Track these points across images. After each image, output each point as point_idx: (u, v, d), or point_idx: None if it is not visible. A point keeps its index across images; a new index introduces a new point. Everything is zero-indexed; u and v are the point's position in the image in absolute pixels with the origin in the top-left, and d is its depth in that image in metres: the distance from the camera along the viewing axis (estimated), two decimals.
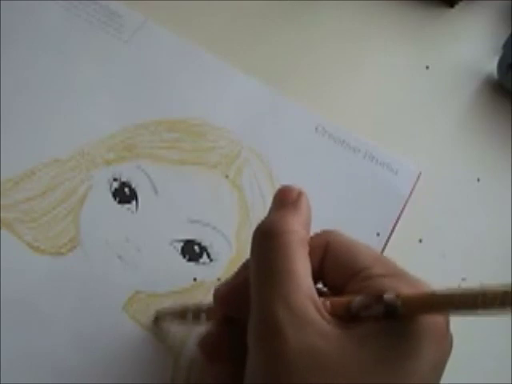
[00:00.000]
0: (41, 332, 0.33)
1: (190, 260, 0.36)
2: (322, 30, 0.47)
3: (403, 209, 0.39)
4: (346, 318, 0.24)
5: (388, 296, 0.23)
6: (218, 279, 0.36)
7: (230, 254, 0.36)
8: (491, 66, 0.47)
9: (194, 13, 0.45)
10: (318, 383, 0.23)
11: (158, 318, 0.34)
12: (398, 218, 0.39)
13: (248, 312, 0.26)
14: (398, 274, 0.26)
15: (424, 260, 0.39)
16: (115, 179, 0.38)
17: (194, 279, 0.35)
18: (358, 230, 0.37)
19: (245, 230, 0.37)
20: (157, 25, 0.44)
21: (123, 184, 0.37)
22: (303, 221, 0.28)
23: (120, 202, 0.37)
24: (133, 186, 0.37)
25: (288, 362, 0.23)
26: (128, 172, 0.38)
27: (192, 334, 0.34)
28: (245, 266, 0.30)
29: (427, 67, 0.46)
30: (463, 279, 0.38)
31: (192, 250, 0.36)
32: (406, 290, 0.24)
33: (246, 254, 0.36)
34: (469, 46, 0.48)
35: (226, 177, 0.39)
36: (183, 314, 0.32)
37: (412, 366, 0.24)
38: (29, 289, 0.34)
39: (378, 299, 0.24)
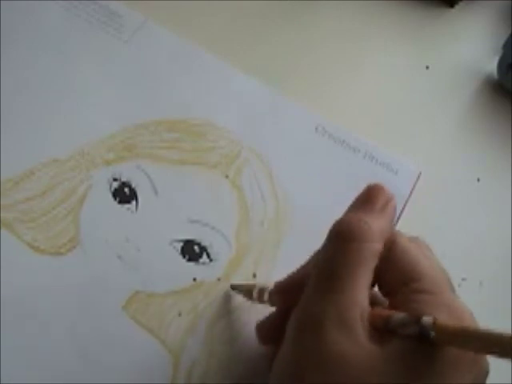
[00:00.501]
0: (40, 332, 0.33)
1: (189, 260, 0.36)
2: (322, 30, 0.47)
3: (403, 209, 0.39)
4: (382, 329, 0.25)
5: (426, 320, 0.23)
6: (218, 279, 0.36)
7: (230, 253, 0.36)
8: (491, 66, 0.47)
9: (194, 13, 0.45)
10: None
11: (233, 288, 0.35)
12: (398, 218, 0.39)
13: None
14: (440, 292, 0.26)
15: None
16: (115, 179, 0.38)
17: (194, 279, 0.35)
18: None
19: (244, 229, 0.37)
20: (157, 25, 0.44)
21: (123, 184, 0.37)
22: (385, 231, 0.27)
23: (120, 201, 0.37)
24: (133, 185, 0.37)
25: (320, 360, 0.24)
26: (128, 172, 0.38)
27: (191, 335, 0.34)
28: (308, 263, 0.30)
29: (427, 67, 0.46)
30: (463, 279, 0.38)
31: (192, 250, 0.36)
32: (446, 316, 0.24)
33: (246, 253, 0.37)
34: (469, 46, 0.48)
35: (226, 177, 0.39)
36: (250, 292, 0.33)
37: None
38: (28, 288, 0.34)
39: (416, 320, 0.24)
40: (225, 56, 0.43)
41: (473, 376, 0.25)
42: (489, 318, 0.37)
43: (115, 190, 0.37)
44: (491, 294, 0.38)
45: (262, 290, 0.33)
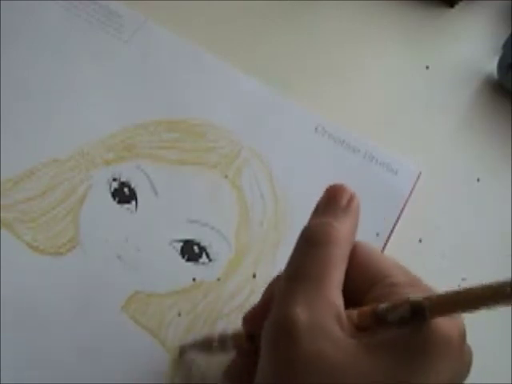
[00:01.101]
0: (40, 332, 0.33)
1: (189, 260, 0.36)
2: (322, 30, 0.47)
3: (403, 209, 0.39)
4: (372, 325, 0.24)
5: (414, 297, 0.23)
6: (218, 279, 0.36)
7: (230, 254, 0.36)
8: (491, 66, 0.47)
9: (194, 13, 0.45)
10: None
11: (182, 352, 0.33)
12: (398, 218, 0.39)
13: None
14: (418, 284, 0.26)
15: (424, 260, 0.39)
16: (115, 179, 0.38)
17: (194, 279, 0.35)
18: (358, 229, 0.37)
19: (244, 229, 0.37)
20: (157, 25, 0.44)
21: (123, 184, 0.37)
22: (351, 232, 0.27)
23: (119, 202, 0.37)
24: (132, 186, 0.37)
25: (297, 365, 0.23)
26: (127, 172, 0.38)
27: (191, 335, 0.34)
28: (270, 286, 0.30)
29: (427, 67, 0.46)
30: (463, 279, 0.38)
31: (191, 250, 0.36)
32: None
33: (246, 254, 0.37)
34: (469, 46, 0.48)
35: (226, 177, 0.39)
36: (209, 345, 0.32)
37: (424, 380, 0.23)
38: (28, 288, 0.34)
39: (405, 301, 0.23)
40: (225, 56, 0.43)
41: (461, 366, 0.25)
42: (489, 318, 0.37)
43: (115, 190, 0.37)
44: None
45: (222, 337, 0.31)
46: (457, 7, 0.50)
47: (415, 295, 0.23)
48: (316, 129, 0.41)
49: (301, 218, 0.38)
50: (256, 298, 0.35)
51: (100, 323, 0.33)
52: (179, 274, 0.35)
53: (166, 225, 0.37)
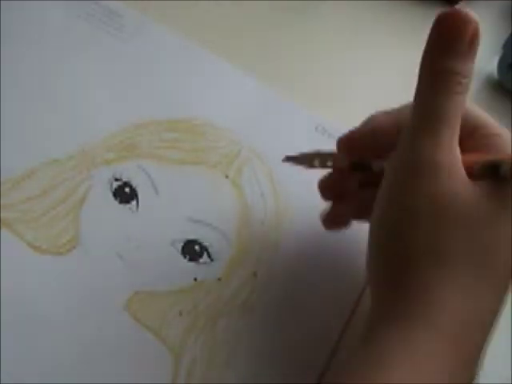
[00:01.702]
0: (41, 332, 0.33)
1: (190, 260, 0.36)
2: (322, 30, 0.47)
3: None
4: (484, 174, 0.27)
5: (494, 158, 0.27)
6: (219, 279, 0.36)
7: (231, 253, 0.36)
8: (491, 65, 0.47)
9: (194, 13, 0.45)
10: (447, 225, 0.26)
11: (288, 159, 0.36)
12: None
13: (371, 158, 0.30)
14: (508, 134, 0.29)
15: None
16: (115, 179, 0.38)
17: (195, 279, 0.35)
18: (358, 228, 0.37)
19: (245, 229, 0.37)
20: (157, 25, 0.44)
21: (124, 183, 0.37)
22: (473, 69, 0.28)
23: (120, 201, 0.37)
24: (133, 185, 0.37)
25: (432, 199, 0.27)
26: (128, 171, 0.38)
27: (192, 335, 0.34)
28: (372, 118, 0.33)
29: None
30: None
31: (192, 250, 0.36)
32: None
33: (247, 253, 0.37)
34: None
35: (226, 177, 0.39)
36: (311, 160, 0.35)
37: None
38: (29, 288, 0.34)
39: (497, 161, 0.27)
40: (225, 56, 0.43)
41: None
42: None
43: (116, 189, 0.37)
44: None
45: (324, 157, 0.34)
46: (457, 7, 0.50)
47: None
48: (316, 128, 0.41)
49: (301, 217, 0.38)
50: (257, 298, 0.35)
51: (101, 323, 0.33)
52: (180, 274, 0.35)
53: (167, 224, 0.37)
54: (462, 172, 0.27)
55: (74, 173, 0.38)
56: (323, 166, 0.35)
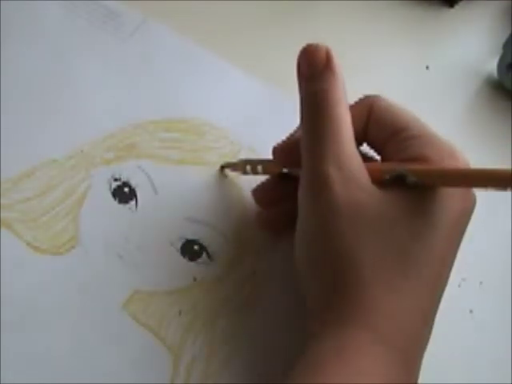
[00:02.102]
0: (41, 332, 0.33)
1: (189, 259, 0.36)
2: (321, 30, 0.47)
3: None
4: (390, 182, 0.29)
5: (401, 169, 0.28)
6: (218, 279, 0.36)
7: (230, 253, 0.36)
8: (491, 65, 0.47)
9: (194, 12, 0.45)
10: (357, 231, 0.27)
11: (224, 167, 0.38)
12: None
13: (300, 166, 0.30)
14: (429, 135, 0.30)
15: None
16: (115, 179, 0.38)
17: (194, 279, 0.35)
18: None
19: (244, 229, 0.37)
20: (156, 24, 0.44)
21: (123, 183, 0.37)
22: (342, 88, 0.30)
23: (120, 201, 0.37)
24: (132, 185, 0.37)
25: (336, 210, 0.28)
26: (127, 171, 0.38)
27: (191, 334, 0.34)
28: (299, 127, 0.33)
29: (427, 67, 0.46)
30: (463, 279, 0.38)
31: (192, 250, 0.36)
32: (436, 154, 0.29)
33: (246, 252, 0.37)
34: (469, 46, 0.48)
35: (226, 176, 0.39)
36: (243, 167, 0.37)
37: (438, 220, 0.28)
38: (29, 288, 0.34)
39: (393, 171, 0.28)
40: (225, 56, 0.43)
41: (467, 202, 0.30)
42: (489, 318, 0.37)
43: (115, 189, 0.37)
44: (491, 294, 0.38)
45: (253, 163, 0.36)
46: (457, 7, 0.50)
47: (401, 167, 0.28)
48: None
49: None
50: (256, 297, 0.35)
51: (100, 322, 0.33)
52: (179, 274, 0.35)
53: (166, 224, 0.37)
54: (363, 180, 0.28)
55: (74, 173, 0.38)
56: (254, 172, 0.36)
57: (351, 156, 0.29)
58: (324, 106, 0.29)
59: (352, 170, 0.28)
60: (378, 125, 0.31)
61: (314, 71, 0.31)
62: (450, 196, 0.28)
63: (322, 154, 0.28)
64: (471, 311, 0.37)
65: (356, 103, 0.32)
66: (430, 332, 0.29)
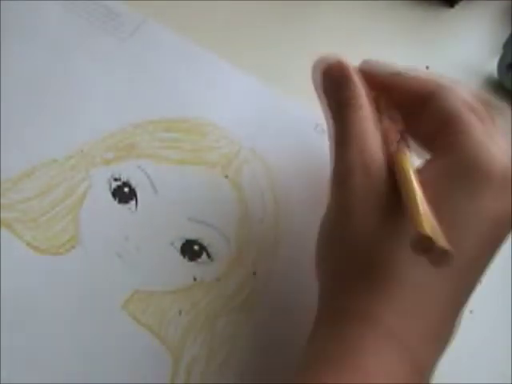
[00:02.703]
0: (40, 331, 0.33)
1: (189, 259, 0.36)
2: (321, 30, 0.47)
3: None
4: None
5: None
6: (218, 279, 0.36)
7: (230, 252, 0.36)
8: (491, 65, 0.47)
9: (194, 12, 0.45)
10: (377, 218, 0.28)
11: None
12: None
13: None
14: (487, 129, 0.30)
15: None
16: (115, 179, 0.38)
17: (194, 278, 0.35)
18: None
19: (244, 228, 0.37)
20: (156, 24, 0.44)
21: (123, 183, 0.37)
22: (364, 93, 0.32)
23: (119, 201, 0.37)
24: (132, 185, 0.37)
25: (356, 196, 0.29)
26: (127, 171, 0.38)
27: (191, 334, 0.34)
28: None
29: (427, 67, 0.46)
30: None
31: (192, 250, 0.36)
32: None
33: (246, 252, 0.37)
34: (469, 46, 0.48)
35: (226, 177, 0.39)
36: None
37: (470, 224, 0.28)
38: (28, 288, 0.34)
39: None
40: (225, 56, 0.43)
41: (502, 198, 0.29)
42: (489, 318, 0.37)
43: (115, 189, 0.37)
44: (491, 294, 0.38)
45: None
46: (457, 7, 0.50)
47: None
48: (315, 128, 0.41)
49: (300, 215, 0.38)
50: (256, 297, 0.35)
51: (100, 322, 0.33)
52: (179, 273, 0.35)
53: (166, 224, 0.37)
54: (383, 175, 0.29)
55: (73, 173, 0.38)
56: None
57: (376, 157, 0.30)
58: (349, 114, 0.31)
59: (377, 163, 0.30)
60: (433, 117, 0.31)
61: (337, 84, 0.33)
62: (485, 202, 0.28)
63: (348, 153, 0.31)
64: (471, 311, 0.37)
65: (418, 83, 0.33)
66: (449, 336, 0.28)
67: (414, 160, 0.32)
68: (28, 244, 0.35)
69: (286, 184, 0.39)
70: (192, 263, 0.36)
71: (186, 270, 0.35)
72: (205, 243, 0.36)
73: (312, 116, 0.42)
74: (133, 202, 0.37)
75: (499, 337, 0.37)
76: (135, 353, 0.33)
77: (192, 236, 0.36)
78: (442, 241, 0.25)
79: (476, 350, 0.36)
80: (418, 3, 0.49)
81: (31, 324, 0.33)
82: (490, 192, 0.28)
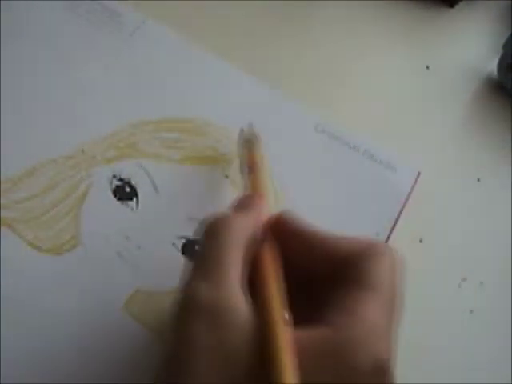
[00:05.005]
0: (41, 331, 0.33)
1: (190, 259, 0.36)
2: (321, 30, 0.47)
3: (403, 208, 0.39)
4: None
5: None
6: None
7: None
8: (491, 65, 0.47)
9: (194, 12, 0.45)
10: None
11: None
12: (398, 217, 0.38)
13: None
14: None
15: (424, 260, 0.39)
16: (116, 177, 0.38)
17: None
18: (358, 229, 0.37)
19: None
20: (156, 24, 0.44)
21: (124, 182, 0.37)
22: (245, 220, 0.28)
23: (120, 199, 0.37)
24: (133, 183, 0.37)
25: (193, 348, 0.23)
26: (128, 170, 0.38)
27: None
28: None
29: (427, 67, 0.47)
30: (463, 279, 0.38)
31: (193, 249, 0.36)
32: None
33: None
34: (469, 46, 0.48)
35: (226, 176, 0.39)
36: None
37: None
38: (29, 288, 0.34)
39: None
40: (225, 56, 0.43)
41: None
42: (489, 318, 0.38)
43: (116, 187, 0.37)
44: (491, 294, 0.38)
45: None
46: (457, 7, 0.50)
47: None
48: (315, 128, 0.41)
49: (300, 215, 0.38)
50: None
51: (101, 322, 0.33)
52: (180, 272, 0.35)
53: (167, 223, 0.37)
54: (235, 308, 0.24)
55: (74, 172, 0.38)
56: None
57: (230, 286, 0.25)
58: (214, 230, 0.27)
59: (226, 300, 0.24)
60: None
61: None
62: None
63: (197, 278, 0.25)
64: (471, 311, 0.37)
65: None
66: None
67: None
68: (29, 243, 0.35)
69: (286, 183, 0.39)
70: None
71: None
72: None
73: (312, 116, 0.42)
74: (134, 201, 0.37)
75: (499, 337, 0.37)
76: (136, 352, 0.33)
77: (193, 235, 0.36)
78: None
79: (476, 350, 0.36)
80: (418, 3, 0.49)
81: (32, 323, 0.33)
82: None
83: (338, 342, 0.24)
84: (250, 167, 0.34)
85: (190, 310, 0.24)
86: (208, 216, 0.28)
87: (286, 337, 0.24)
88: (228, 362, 0.23)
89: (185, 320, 0.24)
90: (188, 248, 0.36)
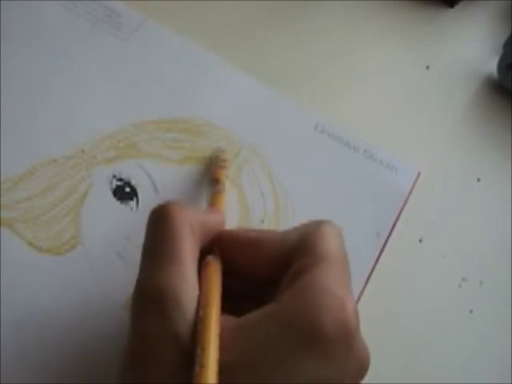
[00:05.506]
0: (41, 331, 0.33)
1: None
2: (321, 30, 0.47)
3: (403, 208, 0.39)
4: None
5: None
6: None
7: None
8: (491, 65, 0.47)
9: (194, 12, 0.45)
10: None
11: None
12: (398, 217, 0.39)
13: None
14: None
15: (424, 260, 0.39)
16: (116, 178, 0.38)
17: None
18: (358, 229, 0.37)
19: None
20: (156, 24, 0.44)
21: (124, 183, 0.37)
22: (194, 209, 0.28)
23: (120, 200, 0.37)
24: (133, 184, 0.37)
25: (151, 344, 0.24)
26: (128, 170, 0.38)
27: None
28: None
29: (427, 67, 0.46)
30: (463, 279, 0.38)
31: None
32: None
33: None
34: (469, 46, 0.48)
35: (226, 176, 0.39)
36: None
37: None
38: (29, 288, 0.34)
39: None
40: (225, 56, 0.43)
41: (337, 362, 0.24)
42: (489, 318, 0.37)
43: (116, 188, 0.37)
44: (491, 294, 0.38)
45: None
46: (457, 7, 0.50)
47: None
48: (315, 127, 0.41)
49: (301, 215, 0.38)
50: None
51: (101, 322, 0.33)
52: None
53: None
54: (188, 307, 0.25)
55: (74, 172, 0.38)
56: None
57: (183, 277, 0.25)
58: (163, 215, 0.27)
59: (181, 294, 0.25)
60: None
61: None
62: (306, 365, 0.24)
63: (152, 271, 0.26)
64: (471, 311, 0.37)
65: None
66: None
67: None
68: (29, 243, 0.35)
69: (286, 183, 0.39)
70: None
71: None
72: None
73: (312, 116, 0.42)
74: (134, 202, 0.37)
75: (499, 337, 0.37)
76: None
77: None
78: None
79: (476, 350, 0.36)
80: (418, 3, 0.49)
81: (31, 324, 0.33)
82: (316, 353, 0.23)
83: (290, 311, 0.24)
84: (216, 185, 0.36)
85: (142, 300, 0.25)
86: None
87: (214, 331, 0.24)
88: (180, 355, 0.23)
89: (138, 311, 0.26)
90: None
